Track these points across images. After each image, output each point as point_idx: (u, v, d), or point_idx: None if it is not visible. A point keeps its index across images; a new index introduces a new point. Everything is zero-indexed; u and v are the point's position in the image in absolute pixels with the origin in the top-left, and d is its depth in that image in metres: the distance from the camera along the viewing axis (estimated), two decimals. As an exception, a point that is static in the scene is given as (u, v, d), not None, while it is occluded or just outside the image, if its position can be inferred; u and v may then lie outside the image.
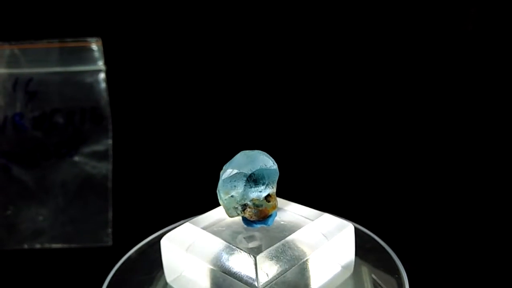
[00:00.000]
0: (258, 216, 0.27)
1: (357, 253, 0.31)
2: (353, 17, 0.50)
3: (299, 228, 0.28)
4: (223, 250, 0.27)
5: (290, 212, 0.31)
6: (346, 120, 0.52)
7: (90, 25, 0.48)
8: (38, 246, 0.47)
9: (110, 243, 0.47)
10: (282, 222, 0.29)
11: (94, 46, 0.47)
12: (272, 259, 0.26)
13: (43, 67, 0.47)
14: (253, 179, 0.26)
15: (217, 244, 0.27)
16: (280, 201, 0.31)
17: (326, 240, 0.28)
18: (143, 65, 0.50)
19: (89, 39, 0.47)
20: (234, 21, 0.50)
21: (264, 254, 0.26)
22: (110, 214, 0.47)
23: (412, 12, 0.49)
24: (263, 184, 0.27)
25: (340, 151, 0.52)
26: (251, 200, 0.27)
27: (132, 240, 0.43)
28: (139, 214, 0.49)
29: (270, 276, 0.26)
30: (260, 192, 0.27)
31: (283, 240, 0.27)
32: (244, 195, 0.26)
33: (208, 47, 0.50)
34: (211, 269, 0.27)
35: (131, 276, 0.32)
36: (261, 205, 0.27)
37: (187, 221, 0.31)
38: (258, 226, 0.28)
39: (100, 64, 0.48)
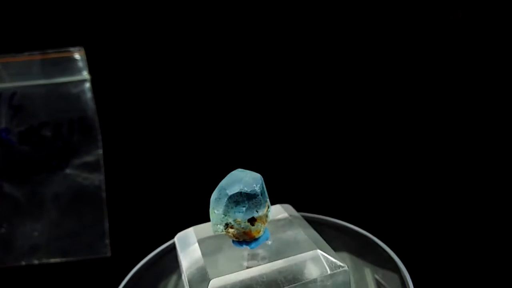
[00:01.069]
0: (243, 237, 0.27)
1: (359, 255, 0.31)
2: (347, 12, 0.50)
3: (296, 223, 0.28)
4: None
5: (285, 238, 0.29)
6: (344, 121, 0.52)
7: (72, 34, 0.48)
8: (36, 262, 0.46)
9: (108, 254, 0.46)
10: (267, 249, 0.28)
11: (77, 56, 0.47)
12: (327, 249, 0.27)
13: (26, 80, 0.46)
14: (234, 200, 0.27)
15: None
16: (291, 218, 0.31)
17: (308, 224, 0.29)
18: (128, 71, 0.50)
19: (71, 49, 0.46)
20: (223, 27, 0.50)
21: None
22: (106, 225, 0.47)
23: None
24: (243, 207, 0.27)
25: (339, 153, 0.52)
26: (235, 220, 0.27)
27: (131, 250, 0.43)
28: (136, 223, 0.49)
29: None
30: (242, 213, 0.27)
31: (308, 236, 0.27)
32: (226, 214, 0.27)
33: (195, 53, 0.50)
34: None
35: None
36: (246, 227, 0.27)
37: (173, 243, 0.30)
38: (242, 247, 0.28)
39: (85, 74, 0.47)
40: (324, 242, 0.28)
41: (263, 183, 0.28)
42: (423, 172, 0.51)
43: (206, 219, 0.30)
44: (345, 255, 0.33)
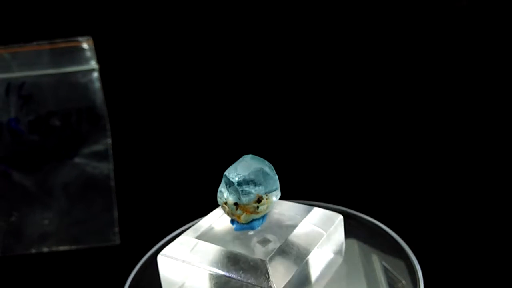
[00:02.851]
0: (231, 217, 0.29)
1: (366, 242, 0.32)
2: (349, 8, 0.50)
3: (295, 227, 0.29)
4: (226, 257, 0.28)
5: (280, 212, 0.31)
6: (354, 109, 0.52)
7: (80, 24, 0.48)
8: (45, 249, 0.46)
9: (117, 241, 0.47)
10: (274, 224, 0.30)
11: (85, 46, 0.47)
12: (281, 260, 0.27)
13: (35, 70, 0.46)
14: (226, 182, 0.28)
15: (218, 251, 0.28)
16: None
17: (324, 233, 0.29)
18: (136, 61, 0.50)
19: (79, 38, 0.46)
20: (230, 17, 0.50)
21: (273, 257, 0.27)
22: (115, 213, 0.47)
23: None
24: (228, 190, 0.28)
25: (348, 141, 0.52)
26: (227, 201, 0.28)
27: (140, 238, 0.44)
28: (144, 211, 0.49)
29: (285, 277, 0.26)
30: (231, 196, 0.28)
31: (285, 241, 0.28)
32: (223, 192, 0.28)
33: (204, 42, 0.50)
34: (217, 275, 0.27)
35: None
36: (232, 209, 0.28)
37: (183, 230, 0.31)
38: (232, 224, 0.29)
39: (93, 64, 0.47)
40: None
41: (262, 175, 0.28)
42: (432, 159, 0.51)
43: (214, 207, 0.32)
44: (353, 241, 0.33)
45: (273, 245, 0.28)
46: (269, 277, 0.26)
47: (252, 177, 0.28)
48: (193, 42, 0.50)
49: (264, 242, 0.29)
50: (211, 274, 0.27)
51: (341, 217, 0.31)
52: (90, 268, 0.44)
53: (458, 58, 0.50)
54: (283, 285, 0.26)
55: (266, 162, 0.29)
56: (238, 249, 0.28)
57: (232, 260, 0.27)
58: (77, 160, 0.47)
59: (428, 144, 0.52)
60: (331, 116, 0.52)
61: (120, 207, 0.47)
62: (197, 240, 0.29)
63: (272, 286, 0.26)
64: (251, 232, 0.29)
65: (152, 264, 0.33)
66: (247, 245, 0.28)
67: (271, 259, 0.27)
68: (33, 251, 0.46)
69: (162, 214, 0.48)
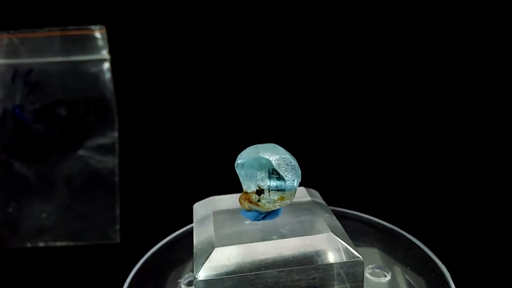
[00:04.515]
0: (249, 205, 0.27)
1: (390, 252, 0.31)
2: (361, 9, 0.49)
3: (315, 207, 0.28)
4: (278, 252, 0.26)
5: (303, 220, 0.28)
6: (374, 114, 0.51)
7: (93, 12, 0.47)
8: (42, 244, 0.45)
9: (118, 240, 0.46)
10: (282, 228, 0.27)
11: (98, 34, 0.46)
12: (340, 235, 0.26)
13: (43, 57, 0.45)
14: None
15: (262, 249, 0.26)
16: (314, 203, 0.30)
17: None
18: (149, 53, 0.49)
19: (92, 27, 0.45)
20: (241, 11, 0.49)
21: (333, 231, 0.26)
22: (117, 210, 0.46)
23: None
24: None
25: (371, 148, 0.51)
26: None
27: (141, 237, 0.43)
28: (148, 210, 0.48)
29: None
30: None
31: (324, 219, 0.27)
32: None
33: (219, 37, 0.49)
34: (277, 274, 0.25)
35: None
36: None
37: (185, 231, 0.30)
38: (247, 216, 0.27)
39: (104, 53, 0.46)
40: (343, 230, 0.27)
41: (272, 168, 0.26)
42: (459, 167, 0.50)
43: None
44: (374, 251, 0.32)
45: (318, 225, 0.26)
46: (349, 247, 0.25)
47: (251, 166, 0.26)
48: (208, 37, 0.49)
49: (303, 226, 0.27)
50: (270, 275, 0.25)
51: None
52: (87, 266, 0.43)
53: (458, 58, 0.50)
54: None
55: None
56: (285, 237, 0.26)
57: (286, 251, 0.25)
58: (81, 152, 0.46)
59: (456, 150, 0.51)
60: (350, 120, 0.52)
61: (123, 204, 0.46)
62: (229, 247, 0.26)
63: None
64: (276, 223, 0.27)
65: (153, 265, 0.32)
66: (290, 233, 0.26)
67: (332, 231, 0.25)
68: (29, 245, 0.45)
69: (165, 213, 0.47)
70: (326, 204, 0.30)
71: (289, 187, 0.26)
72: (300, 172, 0.27)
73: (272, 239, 0.25)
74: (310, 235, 0.26)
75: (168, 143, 0.50)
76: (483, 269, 0.38)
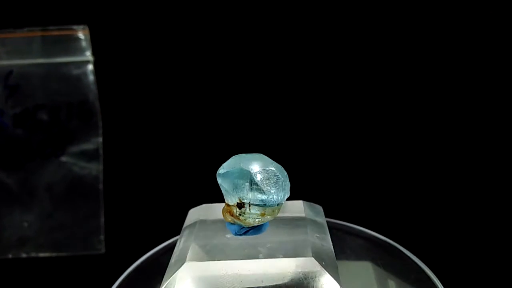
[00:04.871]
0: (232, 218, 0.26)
1: (382, 265, 0.30)
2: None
3: (305, 224, 0.27)
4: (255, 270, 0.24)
5: (290, 239, 0.27)
6: (373, 125, 0.50)
7: (76, 11, 0.45)
8: (24, 255, 0.44)
9: (103, 250, 0.45)
10: (268, 246, 0.26)
11: (81, 35, 0.45)
12: (323, 258, 0.24)
13: (24, 58, 0.44)
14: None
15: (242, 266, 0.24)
16: (311, 220, 0.28)
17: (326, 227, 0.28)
18: (135, 54, 0.47)
19: (75, 27, 0.44)
20: (229, 13, 0.48)
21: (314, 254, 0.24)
22: (102, 219, 0.45)
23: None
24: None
25: (365, 159, 0.50)
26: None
27: (126, 247, 0.43)
28: (134, 219, 0.47)
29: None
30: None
31: (309, 240, 0.25)
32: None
33: (204, 37, 0.48)
34: None
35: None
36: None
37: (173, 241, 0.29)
38: (231, 228, 0.26)
39: (88, 55, 0.45)
40: (331, 254, 0.25)
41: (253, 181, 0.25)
42: (456, 179, 0.49)
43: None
44: (367, 264, 0.31)
45: (300, 246, 0.25)
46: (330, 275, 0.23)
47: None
48: (195, 34, 0.48)
49: (284, 246, 0.25)
50: None
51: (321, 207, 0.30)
52: (71, 278, 0.42)
53: (458, 58, 0.49)
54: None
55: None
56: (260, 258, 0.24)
57: (260, 272, 0.24)
58: (64, 159, 0.45)
59: (454, 162, 0.50)
60: (350, 130, 0.51)
61: (108, 213, 0.45)
62: (201, 263, 0.25)
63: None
64: (257, 239, 0.26)
65: (138, 276, 0.31)
66: (269, 252, 0.25)
67: (314, 255, 0.24)
68: (10, 256, 0.44)
69: (152, 222, 0.46)
70: (324, 222, 0.28)
71: (271, 203, 0.24)
72: (288, 187, 0.25)
73: (247, 258, 0.24)
74: (287, 257, 0.24)
75: (155, 149, 0.49)
76: (479, 283, 0.38)
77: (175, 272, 0.24)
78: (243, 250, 0.25)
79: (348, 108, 0.50)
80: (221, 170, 0.25)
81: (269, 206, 0.24)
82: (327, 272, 0.23)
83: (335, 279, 0.23)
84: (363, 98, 0.50)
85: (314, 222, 0.27)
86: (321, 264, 0.23)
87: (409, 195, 0.48)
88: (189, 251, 0.25)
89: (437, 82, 0.49)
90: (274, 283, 0.23)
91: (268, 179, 0.24)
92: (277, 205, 0.25)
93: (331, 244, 0.26)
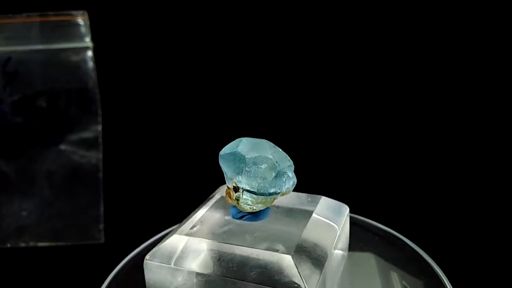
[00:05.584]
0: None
1: (384, 256, 0.29)
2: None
3: (307, 220, 0.26)
4: (226, 255, 0.24)
5: (283, 231, 0.26)
6: (380, 119, 0.50)
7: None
8: (22, 244, 0.44)
9: (102, 240, 0.45)
10: (256, 235, 0.26)
11: (80, 21, 0.44)
12: (305, 258, 0.23)
13: (22, 44, 0.44)
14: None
15: (214, 249, 0.25)
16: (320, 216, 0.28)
17: (337, 227, 0.27)
18: (135, 41, 0.47)
19: (74, 12, 0.44)
20: (230, 7, 0.48)
21: (297, 252, 0.23)
22: (101, 208, 0.45)
23: None
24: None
25: (371, 152, 0.50)
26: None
27: (126, 237, 0.42)
28: (133, 208, 0.47)
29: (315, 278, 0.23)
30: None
31: (302, 236, 0.25)
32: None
33: (204, 28, 0.48)
34: (214, 279, 0.24)
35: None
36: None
37: (173, 229, 0.28)
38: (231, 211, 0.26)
39: (87, 41, 0.44)
40: (318, 253, 0.24)
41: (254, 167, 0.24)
42: (458, 171, 0.49)
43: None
44: (369, 255, 0.30)
45: (288, 241, 0.24)
46: (301, 276, 0.22)
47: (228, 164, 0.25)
48: (196, 24, 0.48)
49: (272, 238, 0.25)
50: (207, 278, 0.24)
51: (347, 208, 0.29)
52: (70, 267, 0.42)
53: (458, 58, 0.49)
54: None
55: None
56: (241, 245, 0.24)
57: (235, 259, 0.24)
58: (63, 147, 0.45)
59: (459, 156, 0.50)
60: (356, 124, 0.51)
61: (107, 202, 0.45)
62: (187, 238, 0.25)
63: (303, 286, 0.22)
64: (251, 226, 0.26)
65: (136, 266, 0.31)
66: (252, 241, 0.25)
67: (295, 254, 0.23)
68: (8, 245, 0.44)
69: (152, 211, 0.46)
70: (337, 222, 0.27)
71: (262, 190, 0.24)
72: (290, 178, 0.24)
73: (230, 243, 0.24)
74: (266, 250, 0.23)
75: (155, 137, 0.49)
76: (482, 275, 0.38)
77: (163, 242, 0.25)
78: (231, 235, 0.25)
79: (353, 106, 0.50)
80: (222, 151, 0.25)
81: (260, 194, 0.23)
82: (298, 274, 0.22)
83: (305, 282, 0.22)
84: (364, 98, 0.50)
85: (320, 220, 0.27)
86: (297, 264, 0.22)
87: (414, 187, 0.48)
88: (185, 224, 0.26)
89: (446, 78, 0.49)
90: (240, 272, 0.23)
91: (262, 166, 0.24)
92: (269, 194, 0.24)
93: (331, 245, 0.25)
